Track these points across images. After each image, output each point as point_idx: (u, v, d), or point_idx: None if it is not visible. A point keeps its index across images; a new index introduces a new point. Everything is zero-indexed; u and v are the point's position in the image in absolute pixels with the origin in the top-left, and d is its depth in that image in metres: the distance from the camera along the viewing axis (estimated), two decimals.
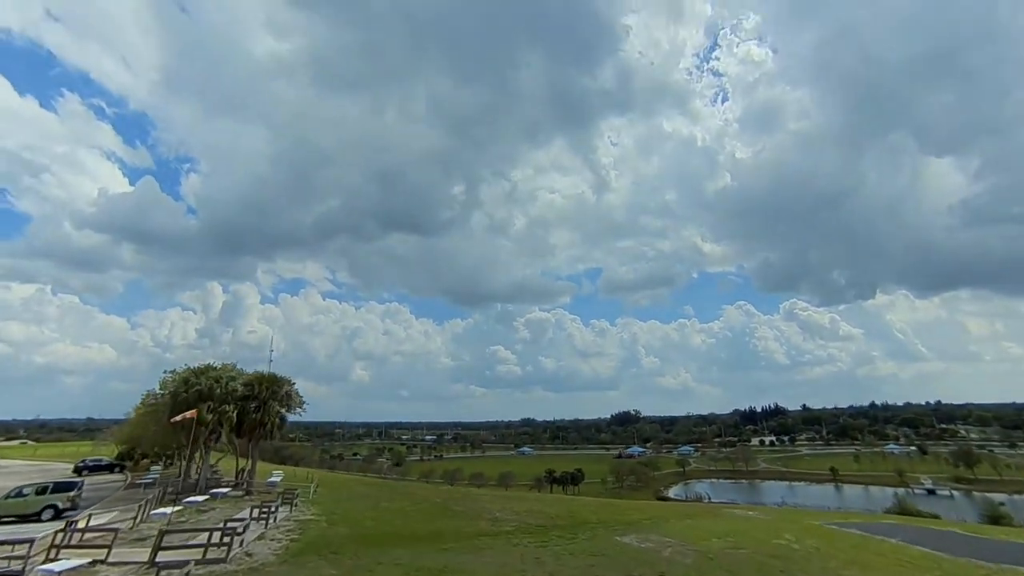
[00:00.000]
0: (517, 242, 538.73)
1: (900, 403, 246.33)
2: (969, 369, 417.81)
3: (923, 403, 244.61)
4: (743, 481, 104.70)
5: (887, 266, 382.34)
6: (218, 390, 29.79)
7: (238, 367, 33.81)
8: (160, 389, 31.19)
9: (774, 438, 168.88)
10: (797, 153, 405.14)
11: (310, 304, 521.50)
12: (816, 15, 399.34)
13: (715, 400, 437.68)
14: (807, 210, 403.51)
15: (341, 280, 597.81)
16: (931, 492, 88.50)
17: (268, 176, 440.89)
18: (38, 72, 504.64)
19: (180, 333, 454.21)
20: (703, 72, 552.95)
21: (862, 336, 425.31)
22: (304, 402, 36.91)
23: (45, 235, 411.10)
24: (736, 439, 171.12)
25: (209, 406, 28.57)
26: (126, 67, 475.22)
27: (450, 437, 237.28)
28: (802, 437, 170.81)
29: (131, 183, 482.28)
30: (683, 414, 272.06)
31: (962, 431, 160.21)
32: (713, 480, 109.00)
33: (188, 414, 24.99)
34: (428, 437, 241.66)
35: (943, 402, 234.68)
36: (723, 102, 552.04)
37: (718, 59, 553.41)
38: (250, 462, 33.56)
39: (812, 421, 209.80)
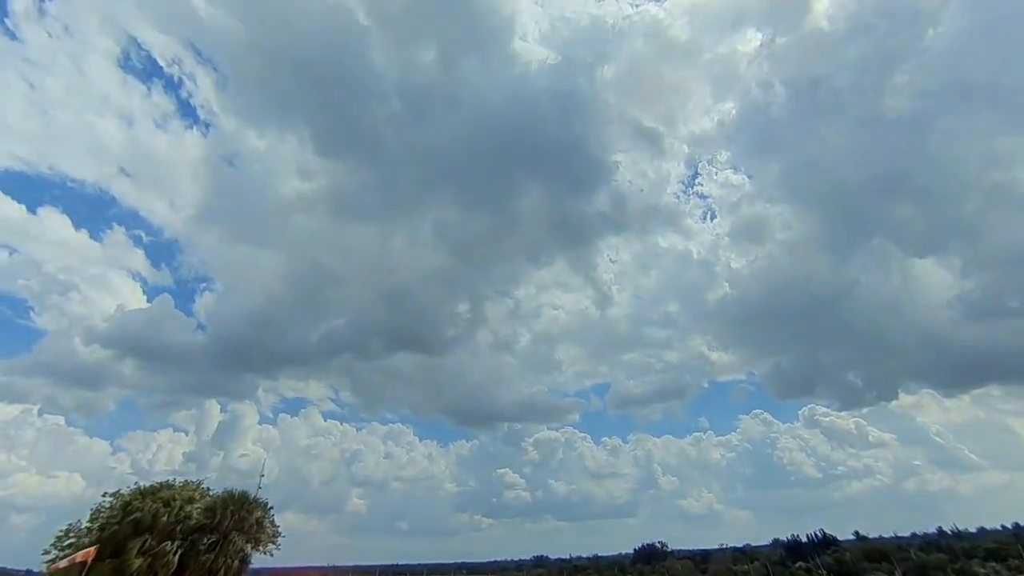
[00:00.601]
0: (522, 358, 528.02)
1: (973, 528, 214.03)
2: None
3: (999, 527, 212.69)
4: None
5: (901, 364, 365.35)
6: (165, 517, 22.72)
7: (204, 486, 27.05)
8: (89, 521, 23.38)
9: None
10: (789, 260, 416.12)
11: (310, 425, 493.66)
12: (777, 151, 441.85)
13: (747, 526, 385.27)
14: (808, 313, 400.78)
15: (344, 400, 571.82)
16: None
17: (279, 295, 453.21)
18: (97, 212, 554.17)
19: (166, 457, 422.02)
20: (689, 195, 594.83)
21: (896, 442, 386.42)
22: (279, 535, 29.14)
23: (52, 351, 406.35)
24: None
25: (144, 542, 21.55)
26: (170, 206, 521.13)
27: None
28: None
29: (148, 300, 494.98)
30: (715, 545, 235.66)
31: None
32: None
33: (79, 556, 17.76)
34: None
35: (1021, 524, 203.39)
36: (712, 219, 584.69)
37: (701, 184, 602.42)
38: None
39: (876, 556, 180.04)
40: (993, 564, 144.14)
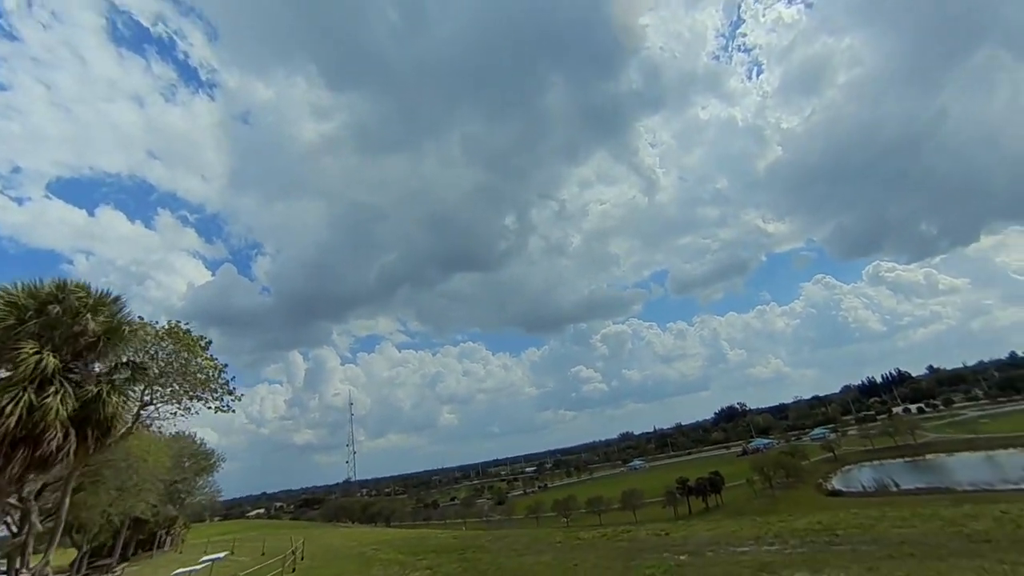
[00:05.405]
0: (577, 259, 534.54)
1: None
2: None
3: None
4: (918, 459, 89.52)
5: (990, 203, 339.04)
6: None
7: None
8: None
9: (922, 404, 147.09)
10: (853, 106, 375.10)
11: (387, 358, 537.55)
12: None
13: (815, 382, 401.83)
14: (876, 164, 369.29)
15: (413, 329, 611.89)
16: None
17: (328, 242, 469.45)
18: (141, 200, 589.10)
19: (271, 406, 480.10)
20: (730, 51, 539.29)
21: (968, 286, 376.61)
22: (207, 347, 18.00)
23: None
24: (874, 412, 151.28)
25: None
26: (203, 180, 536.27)
27: (551, 465, 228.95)
28: (958, 398, 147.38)
29: (212, 273, 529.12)
30: (789, 399, 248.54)
31: None
32: (876, 462, 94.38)
33: None
34: (528, 469, 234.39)
35: None
36: (758, 75, 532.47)
37: (744, 34, 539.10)
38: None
39: (951, 381, 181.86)
40: None
